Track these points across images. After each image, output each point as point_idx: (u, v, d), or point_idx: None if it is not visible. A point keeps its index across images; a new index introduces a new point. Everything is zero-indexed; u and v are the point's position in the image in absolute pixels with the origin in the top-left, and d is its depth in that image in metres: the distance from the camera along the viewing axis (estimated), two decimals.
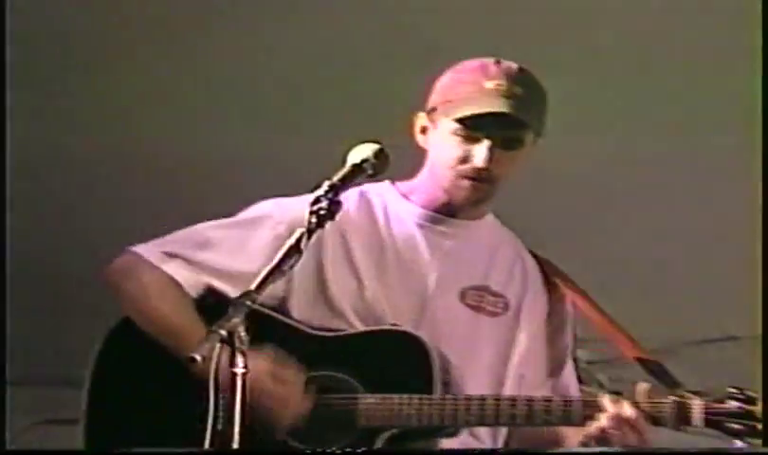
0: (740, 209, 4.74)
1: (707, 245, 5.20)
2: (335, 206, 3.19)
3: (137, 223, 3.57)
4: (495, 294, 3.49)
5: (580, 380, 5.73)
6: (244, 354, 2.90)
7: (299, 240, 3.12)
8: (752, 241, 4.59)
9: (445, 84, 3.49)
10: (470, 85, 3.42)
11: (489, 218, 3.57)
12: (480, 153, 3.38)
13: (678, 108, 4.81)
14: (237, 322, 2.90)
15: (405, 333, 3.38)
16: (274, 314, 3.42)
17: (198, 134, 4.92)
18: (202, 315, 3.42)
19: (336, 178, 3.25)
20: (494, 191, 3.46)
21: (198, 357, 2.84)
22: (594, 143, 4.90)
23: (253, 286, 3.05)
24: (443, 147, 3.45)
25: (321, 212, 3.17)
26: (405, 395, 3.30)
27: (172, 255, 3.49)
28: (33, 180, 4.85)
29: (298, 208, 3.44)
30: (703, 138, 4.84)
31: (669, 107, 4.83)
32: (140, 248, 3.51)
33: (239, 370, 2.89)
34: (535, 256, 3.58)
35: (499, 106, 3.36)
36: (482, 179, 3.41)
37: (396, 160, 3.27)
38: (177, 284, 3.47)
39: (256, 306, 2.92)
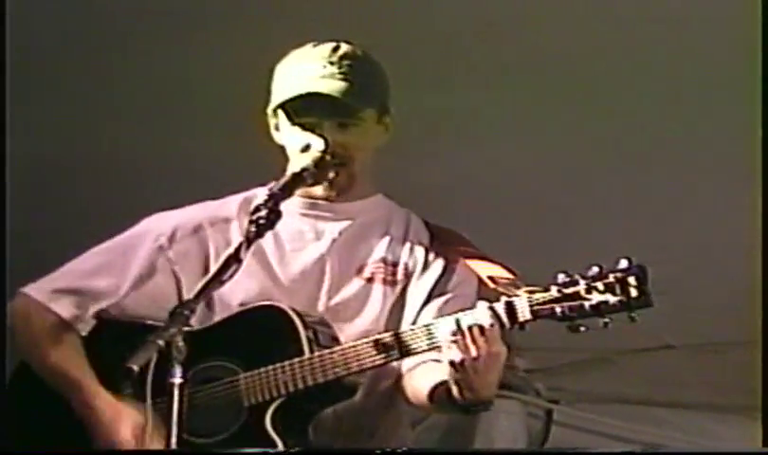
0: (739, 208, 4.75)
1: (706, 247, 5.21)
2: (274, 215, 3.20)
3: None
4: (390, 263, 3.49)
5: (518, 388, 5.80)
6: (182, 365, 2.90)
7: (238, 249, 3.13)
8: (752, 242, 4.61)
9: (274, 79, 3.48)
10: (293, 73, 3.41)
11: (378, 197, 3.56)
12: (315, 140, 3.39)
13: (678, 108, 4.80)
14: (174, 333, 2.90)
15: (265, 306, 3.37)
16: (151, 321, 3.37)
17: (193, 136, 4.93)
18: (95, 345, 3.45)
19: (276, 188, 3.27)
20: (354, 170, 3.45)
21: (135, 368, 2.84)
22: (593, 143, 4.90)
23: (192, 296, 3.06)
24: (289, 140, 3.43)
25: (261, 222, 3.18)
26: (278, 364, 3.30)
27: (60, 291, 3.47)
28: (33, 180, 4.83)
29: (178, 218, 3.52)
30: (702, 138, 4.86)
31: (669, 107, 4.82)
32: (31, 289, 3.49)
33: (176, 380, 2.89)
34: (428, 226, 3.57)
35: (318, 87, 3.38)
36: (329, 164, 3.40)
37: None
38: (67, 325, 3.45)
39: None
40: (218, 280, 3.09)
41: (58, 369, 3.42)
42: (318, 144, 3.39)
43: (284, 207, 3.27)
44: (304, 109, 3.39)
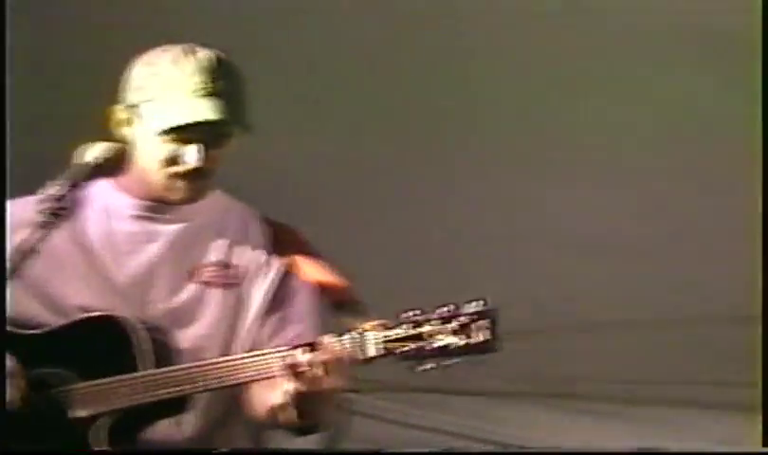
0: (738, 210, 4.85)
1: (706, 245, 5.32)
2: (65, 205, 3.24)
3: None
4: (228, 266, 3.46)
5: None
6: None
7: (27, 240, 3.19)
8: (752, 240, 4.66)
9: (142, 79, 3.39)
10: (172, 85, 3.35)
11: (216, 195, 3.51)
12: (191, 155, 3.36)
13: (678, 107, 4.89)
14: None
15: (104, 316, 3.35)
16: None
17: None
18: None
19: (65, 177, 3.29)
20: (209, 182, 3.44)
21: None
22: (592, 142, 4.97)
23: None
24: (151, 146, 3.39)
25: (53, 212, 3.23)
26: (112, 378, 3.28)
27: None
28: (33, 180, 4.77)
29: (17, 210, 3.44)
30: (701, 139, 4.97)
31: (669, 107, 4.90)
32: None
33: None
34: (267, 224, 3.55)
35: (205, 113, 3.32)
36: (195, 177, 3.40)
37: None
38: None
39: None
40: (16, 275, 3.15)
41: None
42: (191, 158, 3.36)
43: (116, 208, 3.37)
44: (183, 130, 3.35)
